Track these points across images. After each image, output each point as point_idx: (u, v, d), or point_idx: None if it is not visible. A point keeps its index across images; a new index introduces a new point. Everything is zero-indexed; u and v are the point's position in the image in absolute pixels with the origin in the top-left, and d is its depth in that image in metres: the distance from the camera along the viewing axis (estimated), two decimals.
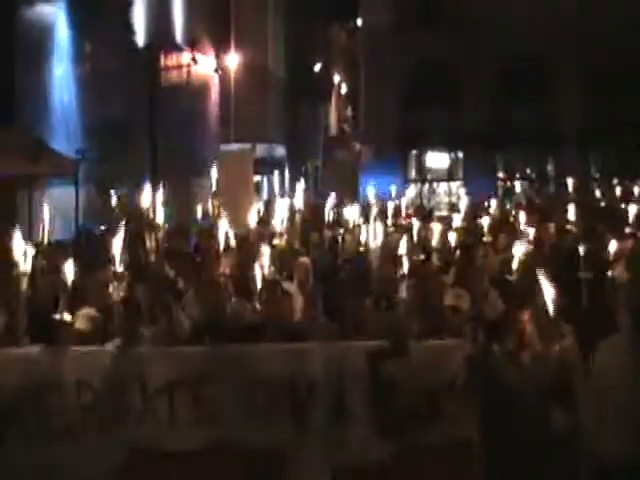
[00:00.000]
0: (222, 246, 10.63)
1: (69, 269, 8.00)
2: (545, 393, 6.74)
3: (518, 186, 35.63)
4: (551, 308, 6.68)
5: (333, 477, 6.68)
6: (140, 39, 25.62)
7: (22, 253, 7.94)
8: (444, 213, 22.63)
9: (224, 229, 11.11)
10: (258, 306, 8.20)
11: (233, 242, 11.34)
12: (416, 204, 20.90)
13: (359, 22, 42.76)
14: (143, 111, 24.83)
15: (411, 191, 37.54)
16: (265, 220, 14.90)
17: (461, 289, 9.02)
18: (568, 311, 7.23)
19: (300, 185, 19.47)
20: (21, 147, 15.65)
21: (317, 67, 45.76)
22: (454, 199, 32.40)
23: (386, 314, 7.83)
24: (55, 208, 17.89)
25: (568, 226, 14.59)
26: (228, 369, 6.62)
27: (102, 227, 15.91)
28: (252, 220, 12.61)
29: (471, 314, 7.82)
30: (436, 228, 12.37)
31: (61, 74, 20.28)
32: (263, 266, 9.27)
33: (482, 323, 7.43)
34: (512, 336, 7.06)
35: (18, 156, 15.26)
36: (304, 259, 10.70)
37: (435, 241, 11.92)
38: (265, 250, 10.02)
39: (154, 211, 11.37)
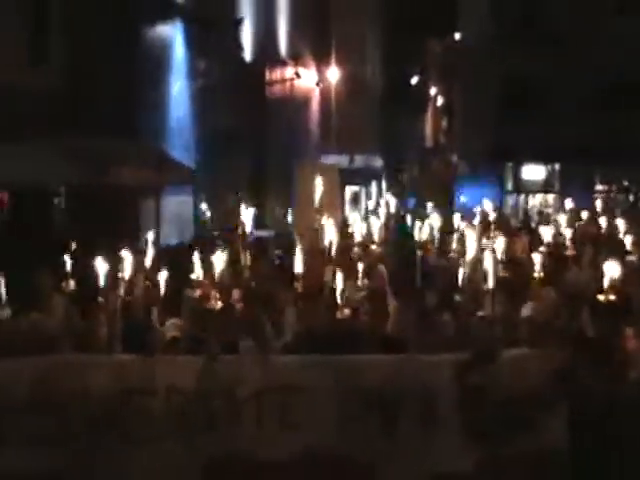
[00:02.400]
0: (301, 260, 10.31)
1: (163, 280, 8.24)
2: None
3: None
4: None
5: None
6: (248, 55, 26.81)
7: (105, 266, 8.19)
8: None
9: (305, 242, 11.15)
10: (347, 312, 8.28)
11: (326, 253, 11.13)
12: (500, 217, 20.62)
13: (457, 36, 43.29)
14: (251, 123, 25.92)
15: (507, 203, 37.91)
16: (350, 233, 15.10)
17: (541, 302, 9.03)
18: None
19: (392, 198, 19.91)
20: (145, 158, 16.72)
21: (414, 80, 46.43)
22: (550, 211, 32.56)
23: (474, 325, 7.94)
24: (172, 215, 19.10)
25: None
26: (318, 378, 6.69)
27: (215, 233, 16.85)
28: (334, 233, 12.27)
29: (555, 327, 7.88)
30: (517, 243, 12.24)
31: (177, 89, 21.50)
32: (359, 276, 9.45)
33: (571, 337, 7.45)
34: (613, 353, 7.04)
35: (142, 167, 16.30)
36: (381, 267, 10.72)
37: (516, 254, 11.84)
38: (358, 261, 10.19)
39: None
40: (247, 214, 10.88)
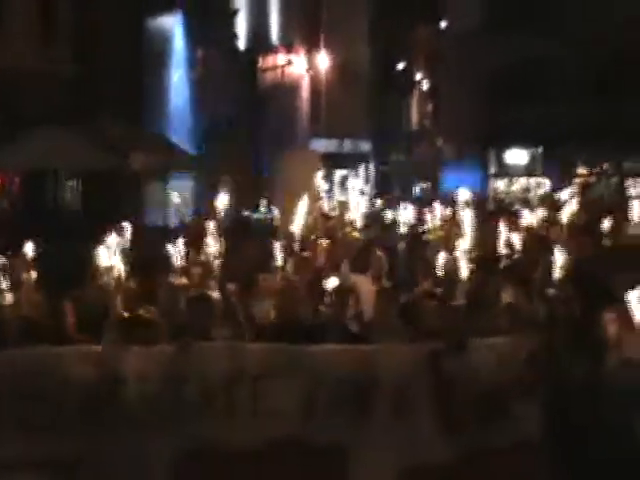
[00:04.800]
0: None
1: (120, 270, 8.13)
2: (631, 402, 6.49)
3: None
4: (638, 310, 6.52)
5: (396, 478, 6.65)
6: (242, 44, 27.83)
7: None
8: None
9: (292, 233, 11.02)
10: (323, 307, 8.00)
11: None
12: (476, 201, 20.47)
13: (444, 23, 44.23)
14: (245, 110, 26.93)
15: (490, 187, 38.96)
16: (332, 218, 15.25)
17: (523, 287, 8.86)
18: None
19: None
20: (153, 145, 17.68)
21: (400, 65, 47.34)
22: (532, 195, 33.48)
23: (447, 312, 7.74)
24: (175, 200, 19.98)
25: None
26: (289, 367, 6.68)
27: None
28: (304, 222, 11.86)
29: (535, 312, 7.84)
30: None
31: (178, 78, 22.54)
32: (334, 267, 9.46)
33: (550, 322, 7.44)
34: (594, 337, 6.88)
35: (151, 153, 17.23)
36: (379, 253, 10.55)
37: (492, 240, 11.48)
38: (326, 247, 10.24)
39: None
40: (221, 199, 10.50)
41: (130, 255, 8.91)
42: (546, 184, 33.03)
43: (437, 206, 16.74)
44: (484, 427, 6.65)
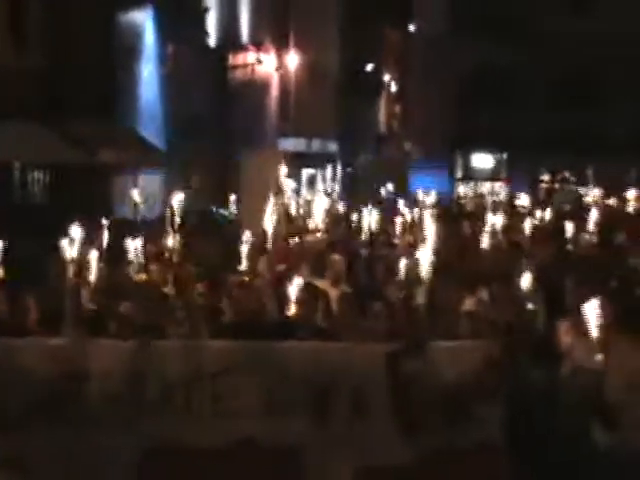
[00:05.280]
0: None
1: (93, 261, 8.33)
2: (586, 408, 6.54)
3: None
4: (593, 321, 6.52)
5: (354, 477, 6.72)
6: (213, 41, 27.95)
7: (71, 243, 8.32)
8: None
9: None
10: (293, 308, 7.89)
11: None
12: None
13: (412, 27, 44.60)
14: (215, 106, 27.06)
15: (456, 190, 39.37)
16: (295, 218, 15.45)
17: (485, 293, 8.91)
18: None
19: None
20: (125, 140, 17.75)
21: (369, 67, 47.62)
22: (496, 199, 33.84)
23: (405, 315, 7.84)
24: (146, 195, 20.08)
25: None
26: (249, 364, 6.68)
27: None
28: (271, 222, 11.93)
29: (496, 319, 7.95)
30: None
31: (148, 73, 22.62)
32: (297, 268, 9.43)
33: (509, 329, 7.48)
34: (551, 345, 6.97)
35: (123, 148, 17.30)
36: (337, 256, 10.55)
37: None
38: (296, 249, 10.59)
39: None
40: (177, 197, 10.59)
41: (97, 250, 8.96)
42: (510, 189, 33.50)
43: (403, 208, 17.11)
44: (444, 428, 6.72)
